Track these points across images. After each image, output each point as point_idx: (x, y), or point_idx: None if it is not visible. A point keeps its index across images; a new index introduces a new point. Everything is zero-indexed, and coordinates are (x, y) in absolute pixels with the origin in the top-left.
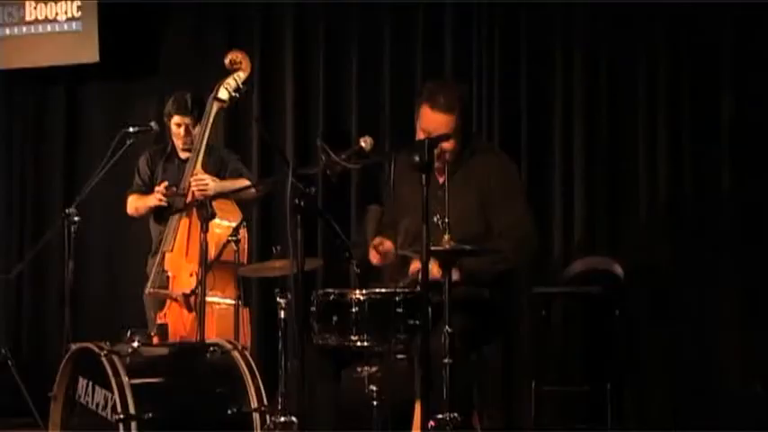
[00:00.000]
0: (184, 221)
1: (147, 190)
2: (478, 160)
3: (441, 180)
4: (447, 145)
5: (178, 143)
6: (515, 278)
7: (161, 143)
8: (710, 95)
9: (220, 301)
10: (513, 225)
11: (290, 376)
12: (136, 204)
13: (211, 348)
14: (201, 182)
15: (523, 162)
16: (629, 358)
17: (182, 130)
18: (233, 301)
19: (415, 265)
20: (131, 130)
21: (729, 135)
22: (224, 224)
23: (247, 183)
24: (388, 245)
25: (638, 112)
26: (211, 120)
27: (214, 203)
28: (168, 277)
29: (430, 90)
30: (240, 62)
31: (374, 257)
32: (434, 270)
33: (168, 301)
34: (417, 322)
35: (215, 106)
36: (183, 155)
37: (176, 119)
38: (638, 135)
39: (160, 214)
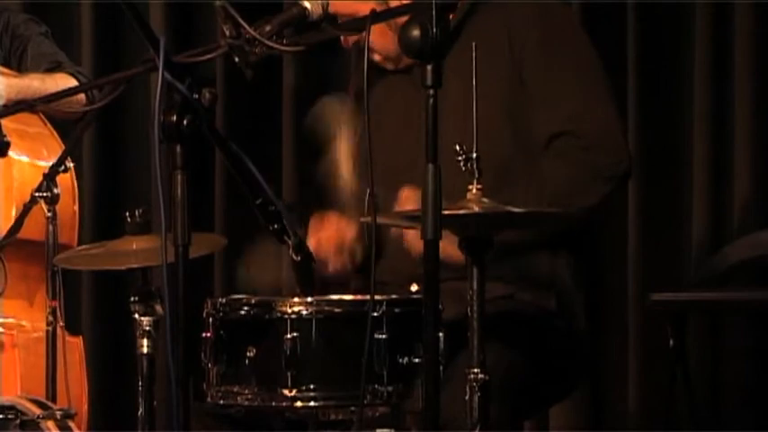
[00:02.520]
0: None
1: None
2: (487, 16)
3: None
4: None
5: None
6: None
7: None
8: None
9: (16, 322)
10: (576, 119)
11: None
12: None
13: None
14: None
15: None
16: None
17: None
18: (42, 323)
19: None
20: None
21: None
22: (25, 164)
23: (70, 82)
24: (330, 225)
25: None
26: None
27: (4, 123)
28: None
29: None
30: None
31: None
32: (450, 250)
33: None
34: (417, 360)
35: None
36: None
37: None
38: None
39: None
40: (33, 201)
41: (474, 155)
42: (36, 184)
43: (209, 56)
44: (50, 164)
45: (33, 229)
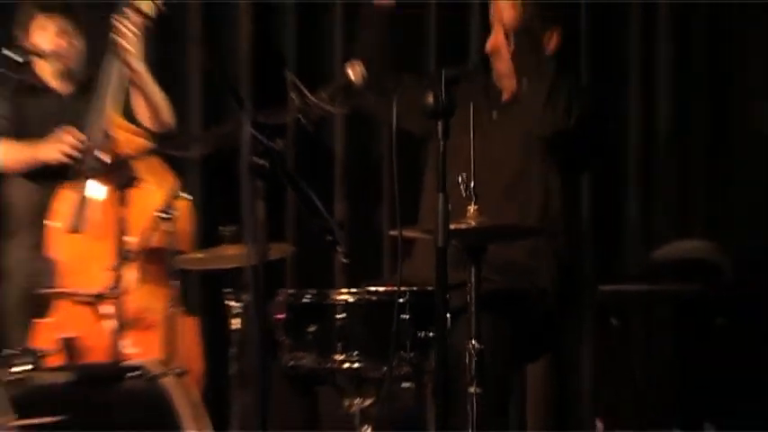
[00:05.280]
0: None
1: (17, 133)
2: (528, 89)
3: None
4: (499, 64)
5: (47, 65)
6: (580, 241)
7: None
8: None
9: (152, 306)
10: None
11: (247, 412)
12: (12, 155)
13: (132, 373)
14: (133, 139)
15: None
16: (740, 392)
17: (56, 36)
18: (163, 306)
19: None
20: None
21: None
22: (155, 191)
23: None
24: None
25: None
26: (131, 43)
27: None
28: (49, 269)
29: None
30: None
31: None
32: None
33: (59, 304)
34: (431, 334)
35: (132, 20)
36: (57, 84)
37: (42, 21)
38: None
39: (43, 174)
40: (158, 219)
41: (472, 184)
42: (158, 207)
43: (282, 117)
44: (169, 192)
45: (159, 240)
